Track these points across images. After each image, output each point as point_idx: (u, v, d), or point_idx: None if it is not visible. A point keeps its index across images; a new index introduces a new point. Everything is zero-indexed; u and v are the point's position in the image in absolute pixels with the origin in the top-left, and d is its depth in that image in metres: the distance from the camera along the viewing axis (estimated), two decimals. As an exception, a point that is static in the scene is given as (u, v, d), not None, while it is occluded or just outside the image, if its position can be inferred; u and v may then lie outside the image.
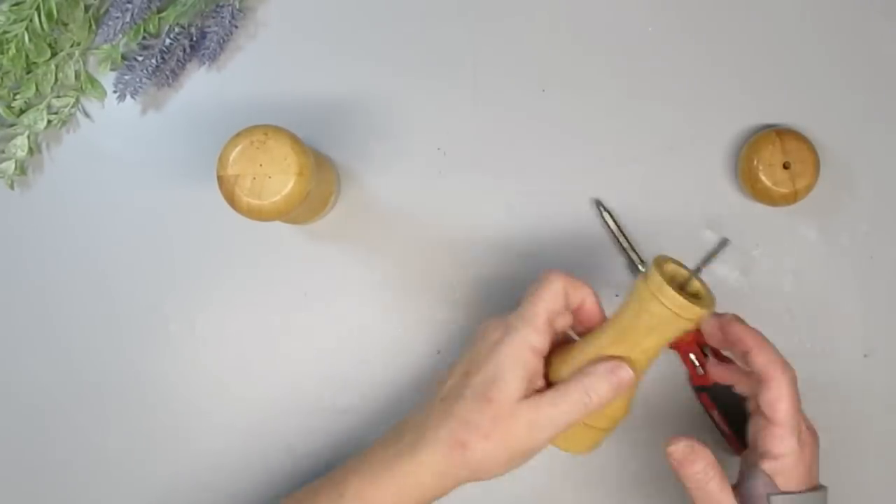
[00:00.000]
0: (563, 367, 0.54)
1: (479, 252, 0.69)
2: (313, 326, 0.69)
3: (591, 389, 0.53)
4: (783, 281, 0.68)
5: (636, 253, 0.67)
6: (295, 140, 0.58)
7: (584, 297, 0.56)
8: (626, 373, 0.53)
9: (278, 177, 0.57)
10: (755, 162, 0.65)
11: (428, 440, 0.53)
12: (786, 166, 0.65)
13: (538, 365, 0.54)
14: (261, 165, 0.57)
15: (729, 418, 0.65)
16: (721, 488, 0.53)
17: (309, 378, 0.69)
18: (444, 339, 0.69)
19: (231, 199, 0.58)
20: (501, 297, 0.69)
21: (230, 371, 0.69)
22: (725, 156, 0.69)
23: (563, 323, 0.57)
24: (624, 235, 0.67)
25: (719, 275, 0.68)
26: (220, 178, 0.58)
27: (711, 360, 0.62)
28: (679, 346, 0.66)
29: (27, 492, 0.70)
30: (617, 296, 0.68)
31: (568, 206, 0.69)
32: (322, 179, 0.63)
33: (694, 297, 0.53)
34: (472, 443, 0.52)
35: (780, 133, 0.65)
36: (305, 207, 0.61)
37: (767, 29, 0.69)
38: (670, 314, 0.51)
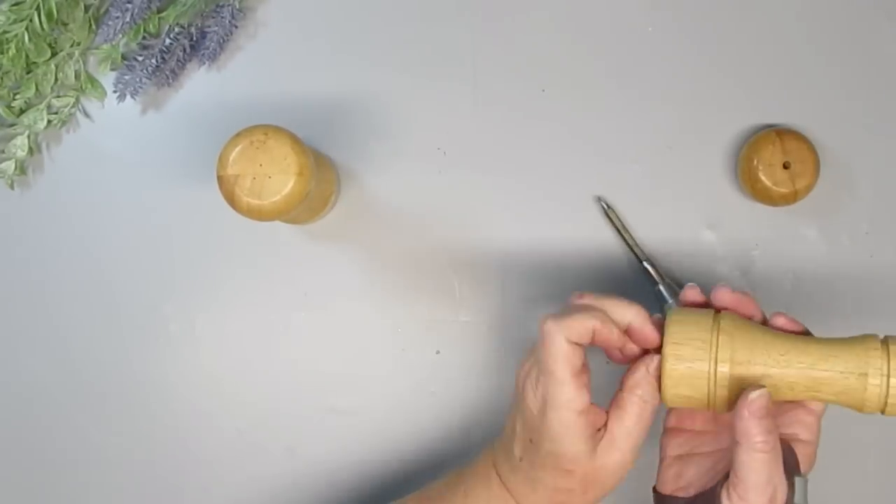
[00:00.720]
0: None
1: (479, 252, 0.69)
2: (313, 326, 0.69)
3: (642, 393, 0.53)
4: (783, 281, 0.68)
5: (639, 248, 0.67)
6: (295, 140, 0.58)
7: (627, 319, 0.54)
8: (657, 361, 0.53)
9: (278, 177, 0.57)
10: (755, 162, 0.65)
11: None
12: (786, 166, 0.65)
13: (590, 412, 0.53)
14: (261, 165, 0.57)
15: None
16: None
17: (309, 378, 0.69)
18: (444, 339, 0.69)
19: (231, 199, 0.57)
20: (502, 296, 0.69)
21: (230, 371, 0.69)
22: (725, 156, 0.69)
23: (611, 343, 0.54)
24: (627, 232, 0.67)
25: (719, 275, 0.68)
26: (220, 178, 0.58)
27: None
28: None
29: (27, 492, 0.70)
30: (617, 296, 0.68)
31: (568, 205, 0.69)
32: (322, 179, 0.63)
33: None
34: (574, 501, 0.53)
35: (780, 133, 0.65)
36: (305, 207, 0.61)
37: (767, 29, 0.69)
38: (878, 400, 0.50)
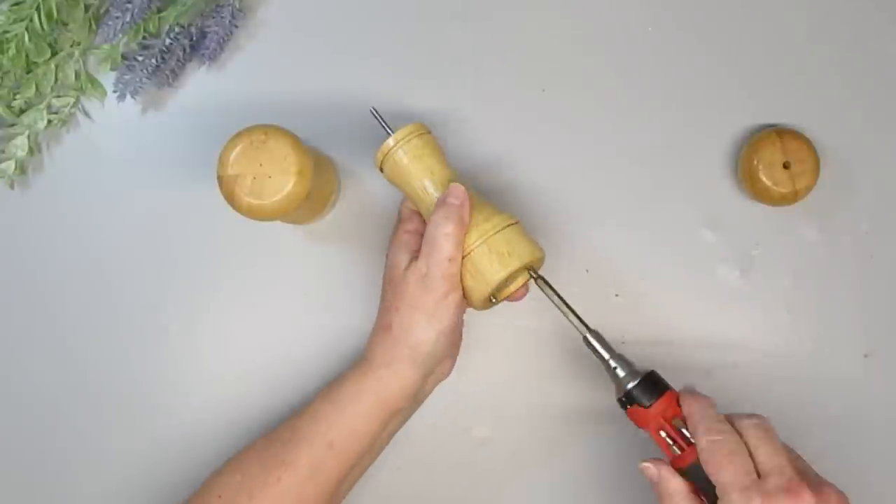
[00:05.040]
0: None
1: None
2: (313, 326, 0.69)
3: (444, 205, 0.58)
4: (783, 281, 0.68)
5: (579, 319, 0.60)
6: (295, 140, 0.58)
7: None
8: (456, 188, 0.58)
9: (278, 177, 0.57)
10: (755, 162, 0.65)
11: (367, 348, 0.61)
12: (786, 166, 0.65)
13: (416, 242, 0.60)
14: (261, 165, 0.57)
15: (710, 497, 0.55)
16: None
17: (309, 378, 0.69)
18: (444, 339, 0.69)
19: (231, 199, 0.57)
20: (501, 297, 0.69)
21: (230, 371, 0.69)
22: (725, 156, 0.69)
23: None
24: (566, 304, 0.60)
25: (719, 275, 0.68)
26: (220, 178, 0.58)
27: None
28: (647, 422, 0.57)
29: (27, 491, 0.70)
30: (617, 295, 0.68)
31: (568, 205, 0.69)
32: (322, 179, 0.63)
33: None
34: (390, 320, 0.58)
35: (780, 133, 0.65)
36: (305, 207, 0.61)
37: (767, 29, 0.69)
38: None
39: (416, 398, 0.61)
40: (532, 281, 0.60)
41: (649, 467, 0.55)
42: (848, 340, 0.68)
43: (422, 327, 0.58)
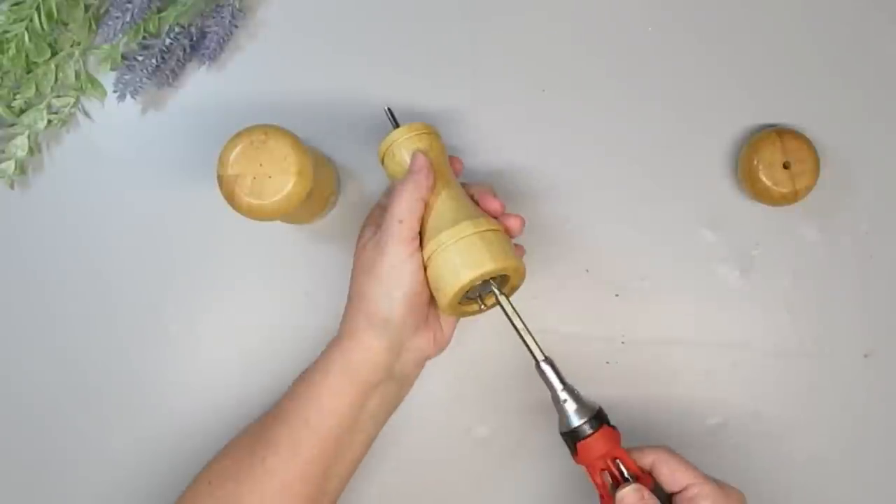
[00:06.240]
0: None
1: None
2: (313, 326, 0.69)
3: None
4: (783, 281, 0.68)
5: (536, 344, 0.58)
6: (295, 140, 0.58)
7: None
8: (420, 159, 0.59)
9: (278, 177, 0.57)
10: (755, 162, 0.65)
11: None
12: (786, 166, 0.65)
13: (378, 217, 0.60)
14: (261, 165, 0.57)
15: None
16: None
17: (309, 378, 0.69)
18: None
19: (231, 199, 0.57)
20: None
21: (230, 371, 0.69)
22: (725, 156, 0.69)
23: None
24: (523, 325, 0.58)
25: (719, 275, 0.68)
26: (220, 178, 0.58)
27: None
28: (589, 459, 0.56)
29: (27, 491, 0.70)
30: (617, 295, 0.68)
31: (568, 205, 0.69)
32: (322, 179, 0.63)
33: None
34: (352, 291, 0.58)
35: (780, 133, 0.65)
36: (305, 207, 0.61)
37: (767, 29, 0.69)
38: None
39: (390, 372, 0.59)
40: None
41: (629, 493, 0.54)
42: (848, 340, 0.68)
43: (374, 292, 0.57)
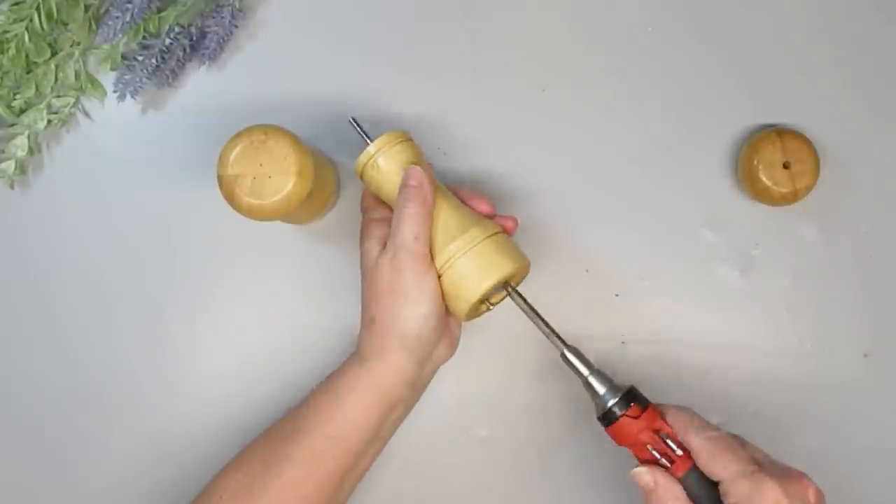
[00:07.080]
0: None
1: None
2: (313, 326, 0.69)
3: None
4: (783, 281, 0.68)
5: (557, 336, 0.58)
6: (295, 140, 0.58)
7: None
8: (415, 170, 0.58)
9: (278, 177, 0.57)
10: (755, 162, 0.65)
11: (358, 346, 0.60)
12: (786, 166, 0.65)
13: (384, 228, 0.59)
14: (261, 165, 0.57)
15: None
16: None
17: (310, 378, 0.69)
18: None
19: (231, 199, 0.58)
20: (501, 297, 0.69)
21: (230, 371, 0.69)
22: (725, 156, 0.69)
23: None
24: (541, 317, 0.59)
25: (719, 275, 0.68)
26: (220, 178, 0.58)
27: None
28: (635, 437, 0.55)
29: (27, 491, 0.70)
30: (617, 295, 0.68)
31: (568, 205, 0.69)
32: (322, 179, 0.63)
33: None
34: (373, 311, 0.57)
35: (780, 133, 0.65)
36: (305, 207, 0.61)
37: (767, 29, 0.69)
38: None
39: (414, 386, 0.60)
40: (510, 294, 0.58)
41: (642, 473, 0.54)
42: (848, 340, 0.68)
43: (405, 313, 0.57)
